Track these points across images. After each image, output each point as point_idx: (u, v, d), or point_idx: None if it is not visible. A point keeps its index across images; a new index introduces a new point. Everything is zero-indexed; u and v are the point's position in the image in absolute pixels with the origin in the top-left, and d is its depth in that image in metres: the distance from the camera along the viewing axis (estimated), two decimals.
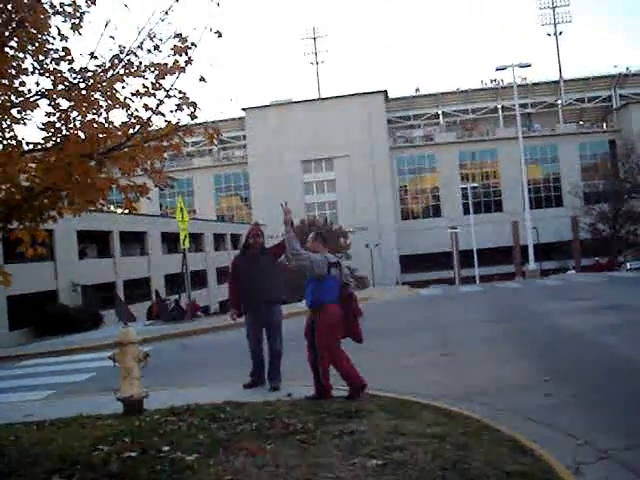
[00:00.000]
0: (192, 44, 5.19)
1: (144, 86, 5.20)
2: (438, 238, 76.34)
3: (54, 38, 5.33)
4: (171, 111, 5.23)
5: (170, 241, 44.25)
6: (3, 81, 5.08)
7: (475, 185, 75.02)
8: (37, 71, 5.36)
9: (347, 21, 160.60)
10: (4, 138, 5.29)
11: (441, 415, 6.27)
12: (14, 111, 5.25)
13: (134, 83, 5.20)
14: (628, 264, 52.56)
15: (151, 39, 5.24)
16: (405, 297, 28.07)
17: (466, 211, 72.45)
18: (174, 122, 5.26)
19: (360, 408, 6.53)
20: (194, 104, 5.25)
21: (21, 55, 5.30)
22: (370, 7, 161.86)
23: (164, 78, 5.18)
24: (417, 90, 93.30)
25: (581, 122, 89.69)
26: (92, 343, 16.79)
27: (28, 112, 5.26)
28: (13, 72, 5.23)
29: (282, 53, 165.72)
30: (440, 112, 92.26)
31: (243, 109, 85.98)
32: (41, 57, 5.36)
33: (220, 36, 5.11)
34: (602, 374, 7.71)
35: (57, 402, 9.18)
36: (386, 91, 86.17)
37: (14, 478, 4.92)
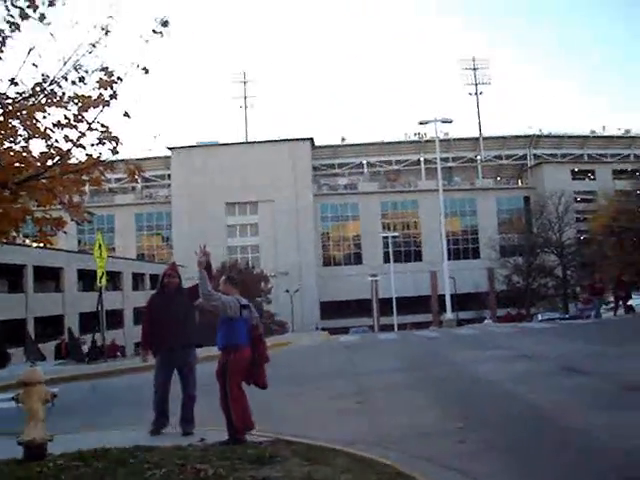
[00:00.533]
0: (118, 78, 5.12)
1: (66, 117, 5.08)
2: (358, 285, 77.08)
3: None
4: (92, 144, 5.12)
5: (87, 278, 42.90)
6: None
7: (396, 234, 76.73)
8: None
9: (277, 68, 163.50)
10: None
11: (355, 461, 6.22)
12: None
13: (56, 113, 5.07)
14: (539, 315, 54.43)
15: (76, 70, 5.14)
16: (323, 343, 28.07)
17: (386, 260, 73.66)
18: (95, 156, 5.14)
19: (274, 454, 6.41)
20: (116, 139, 5.15)
21: None
22: (300, 57, 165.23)
23: (87, 111, 5.08)
24: (343, 139, 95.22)
25: (498, 178, 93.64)
26: None
27: None
28: None
29: (211, 95, 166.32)
30: (364, 162, 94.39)
31: (169, 148, 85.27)
32: None
33: (147, 72, 5.07)
34: (512, 421, 7.87)
35: None
36: (312, 138, 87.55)
37: None
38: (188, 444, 7.10)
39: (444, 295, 41.84)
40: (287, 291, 70.31)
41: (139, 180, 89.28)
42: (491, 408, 8.80)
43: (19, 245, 34.08)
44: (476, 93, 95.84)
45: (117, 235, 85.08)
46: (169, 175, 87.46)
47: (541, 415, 7.99)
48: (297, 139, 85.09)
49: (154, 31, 5.16)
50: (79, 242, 78.56)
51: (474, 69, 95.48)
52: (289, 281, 74.15)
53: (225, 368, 7.38)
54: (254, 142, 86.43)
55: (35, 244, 37.39)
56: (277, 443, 7.12)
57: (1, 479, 5.79)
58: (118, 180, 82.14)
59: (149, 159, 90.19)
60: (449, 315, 37.90)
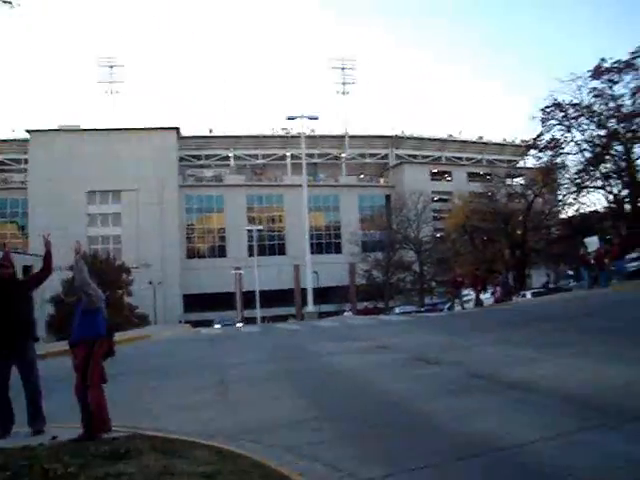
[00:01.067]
0: None
1: None
2: (223, 278, 76.60)
3: None
4: None
5: None
6: None
7: (261, 228, 76.96)
8: None
9: (146, 54, 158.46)
10: None
11: (213, 454, 6.22)
12: None
13: None
14: (397, 309, 56.76)
15: None
16: (185, 336, 27.70)
17: (251, 253, 73.72)
18: None
19: (130, 449, 6.27)
20: None
21: None
22: (168, 44, 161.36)
23: None
24: (211, 131, 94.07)
25: (361, 176, 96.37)
26: None
27: None
28: None
29: (76, 79, 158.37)
30: (232, 155, 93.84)
31: (27, 131, 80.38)
32: None
33: None
34: (368, 409, 8.16)
35: None
36: (179, 129, 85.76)
37: None
38: (38, 443, 6.78)
39: (307, 288, 42.52)
40: (150, 283, 68.57)
41: None
42: (347, 397, 9.08)
43: None
44: (343, 92, 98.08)
45: None
46: (26, 160, 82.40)
47: (393, 402, 8.35)
48: (164, 128, 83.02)
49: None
50: None
51: (342, 68, 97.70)
52: (152, 273, 72.31)
53: (87, 361, 7.19)
54: (119, 129, 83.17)
55: None
56: (134, 438, 6.97)
57: None
58: None
59: (5, 141, 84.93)
60: (310, 308, 38.57)
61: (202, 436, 7.09)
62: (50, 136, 79.88)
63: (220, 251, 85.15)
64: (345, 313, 58.54)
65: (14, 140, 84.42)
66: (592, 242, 32.32)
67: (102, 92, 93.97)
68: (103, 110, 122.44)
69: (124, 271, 59.47)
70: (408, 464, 5.67)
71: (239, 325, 53.14)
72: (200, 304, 76.06)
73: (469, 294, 40.06)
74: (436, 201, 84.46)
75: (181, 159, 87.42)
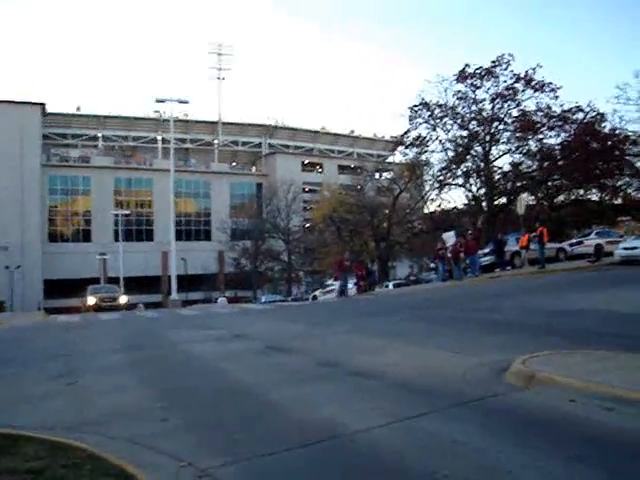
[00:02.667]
0: None
1: None
2: (87, 264, 73.67)
3: None
4: None
5: None
6: None
7: (128, 212, 74.67)
8: None
9: (13, 22, 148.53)
10: None
11: (46, 448, 6.00)
12: None
13: None
14: (263, 297, 57.16)
15: None
16: (41, 323, 26.44)
17: (117, 238, 71.43)
18: None
19: None
20: None
21: None
22: (37, 13, 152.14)
23: None
24: (78, 109, 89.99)
25: (234, 163, 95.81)
26: None
27: None
28: None
29: None
30: (100, 135, 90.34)
31: None
32: None
33: None
34: (217, 398, 8.18)
35: None
36: (44, 104, 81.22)
37: None
38: None
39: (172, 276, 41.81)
40: (7, 267, 64.75)
41: None
42: (198, 386, 9.06)
43: None
44: (219, 78, 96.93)
45: None
46: None
47: (242, 391, 8.43)
48: (26, 102, 78.30)
49: None
50: None
51: (219, 54, 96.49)
52: (9, 257, 68.29)
53: None
54: None
55: None
56: None
57: None
58: None
59: None
60: (174, 296, 38.02)
61: (40, 429, 6.84)
62: None
63: (85, 235, 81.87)
64: (219, 299, 58.01)
65: None
66: (449, 237, 34.00)
67: None
68: None
69: None
70: (248, 452, 5.76)
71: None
72: (63, 290, 72.72)
73: (333, 284, 41.04)
74: (307, 192, 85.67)
75: (45, 137, 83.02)
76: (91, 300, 34.36)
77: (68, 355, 13.23)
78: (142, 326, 19.35)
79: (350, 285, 34.76)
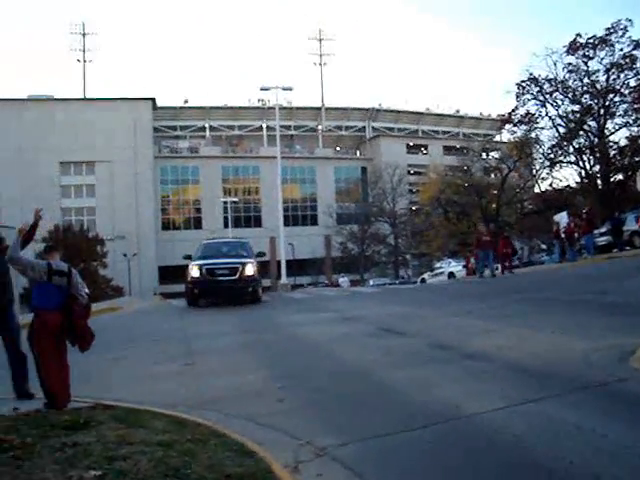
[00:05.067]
0: None
1: None
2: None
3: None
4: None
5: None
6: None
7: (236, 200, 76.46)
8: None
9: (120, 23, 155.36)
10: None
11: (172, 423, 6.30)
12: None
13: None
14: (371, 281, 57.14)
15: None
16: (157, 307, 27.67)
17: (226, 225, 73.43)
18: None
19: (90, 419, 6.33)
20: None
21: None
22: (143, 12, 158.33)
23: None
24: (186, 101, 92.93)
25: (338, 148, 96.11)
26: None
27: None
28: None
29: (47, 45, 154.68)
30: (207, 125, 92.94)
31: None
32: None
33: None
34: (330, 379, 8.28)
35: None
36: (154, 99, 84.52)
37: None
38: None
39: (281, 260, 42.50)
40: (125, 255, 68.14)
41: None
42: (312, 368, 9.19)
43: None
44: (320, 64, 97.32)
45: None
46: None
47: (356, 373, 8.48)
48: (138, 98, 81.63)
49: None
50: None
51: (320, 40, 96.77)
52: (127, 245, 71.79)
53: (32, 331, 7.34)
54: (93, 99, 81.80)
55: None
56: (96, 408, 7.02)
57: None
58: None
59: None
60: (284, 280, 38.62)
61: (164, 406, 7.18)
62: (20, 105, 78.14)
63: (196, 223, 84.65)
64: (340, 280, 57.77)
65: None
66: (561, 217, 32.66)
67: (74, 61, 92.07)
68: (76, 79, 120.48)
69: (98, 243, 58.99)
70: (364, 433, 5.79)
71: None
72: (175, 276, 75.62)
73: (441, 266, 40.42)
74: (412, 174, 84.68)
75: (156, 130, 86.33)
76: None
77: (182, 337, 13.75)
78: (252, 309, 19.80)
79: (459, 267, 33.85)
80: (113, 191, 77.53)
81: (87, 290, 7.72)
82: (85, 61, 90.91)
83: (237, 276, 20.08)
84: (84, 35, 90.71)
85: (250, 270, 20.29)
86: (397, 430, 5.77)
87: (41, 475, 4.64)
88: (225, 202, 73.09)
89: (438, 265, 43.56)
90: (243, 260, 20.72)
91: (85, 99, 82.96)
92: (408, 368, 8.44)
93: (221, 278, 20.08)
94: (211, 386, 8.50)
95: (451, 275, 35.28)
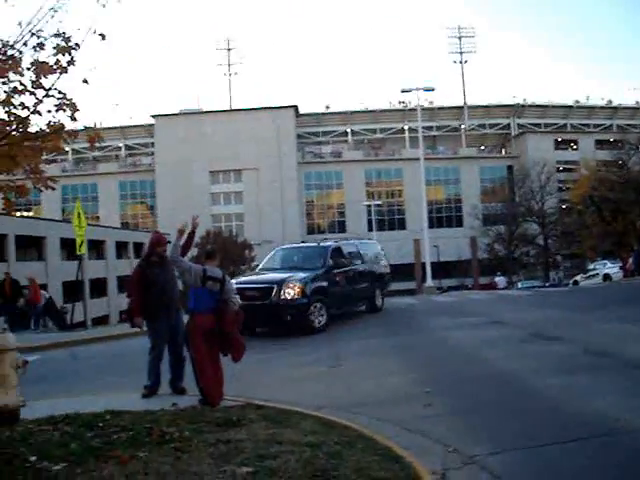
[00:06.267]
0: (76, 44, 5.09)
1: (22, 84, 5.07)
2: None
3: None
4: (49, 111, 5.12)
5: (70, 247, 42.68)
6: None
7: (379, 203, 76.61)
8: None
9: (262, 35, 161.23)
10: None
11: (320, 425, 6.38)
12: None
13: (14, 80, 5.06)
14: (519, 283, 55.02)
15: (36, 36, 5.12)
16: None
17: (370, 228, 73.78)
18: (54, 122, 5.15)
19: (242, 417, 6.56)
20: (74, 105, 5.15)
21: None
22: (285, 23, 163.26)
23: (45, 77, 5.08)
24: (327, 107, 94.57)
25: (482, 147, 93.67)
26: None
27: None
28: None
29: (196, 62, 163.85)
30: (349, 130, 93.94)
31: (152, 116, 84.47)
32: None
33: (104, 39, 5.06)
34: (479, 385, 8.05)
35: None
36: (297, 106, 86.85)
37: None
38: (160, 409, 7.23)
39: (426, 263, 42.04)
40: None
41: (122, 147, 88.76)
42: (459, 373, 8.99)
43: (1, 215, 33.91)
44: (461, 61, 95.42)
45: (101, 204, 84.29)
46: (153, 143, 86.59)
47: (506, 380, 8.20)
48: (281, 107, 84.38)
49: None
50: (63, 211, 78.18)
51: (459, 37, 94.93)
52: (274, 249, 74.15)
53: (187, 332, 7.82)
54: (238, 110, 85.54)
55: (18, 213, 37.24)
56: (246, 407, 7.27)
57: None
58: (102, 148, 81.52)
59: (133, 127, 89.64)
60: (429, 283, 38.12)
61: (311, 407, 7.28)
62: (173, 120, 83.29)
63: (340, 226, 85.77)
64: (497, 279, 56.07)
65: (141, 125, 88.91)
66: None
67: (221, 74, 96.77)
68: (222, 92, 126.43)
69: (246, 247, 61.40)
70: (515, 442, 5.58)
71: None
72: None
73: (595, 268, 38.17)
74: (561, 171, 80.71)
75: (299, 136, 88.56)
76: None
77: (330, 340, 13.89)
78: (399, 312, 19.70)
79: (616, 269, 31.99)
80: (259, 197, 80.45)
81: (238, 299, 8.00)
82: (230, 74, 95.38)
83: (270, 300, 14.96)
84: (229, 50, 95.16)
85: (290, 292, 15.11)
86: (550, 441, 5.50)
87: (198, 468, 4.89)
88: (368, 205, 73.43)
89: (592, 267, 41.17)
90: (286, 277, 15.55)
91: (231, 110, 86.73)
92: (560, 375, 8.04)
93: (251, 302, 14.30)
94: (357, 389, 8.53)
95: (607, 277, 33.23)
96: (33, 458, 5.20)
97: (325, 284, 16.02)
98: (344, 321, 16.78)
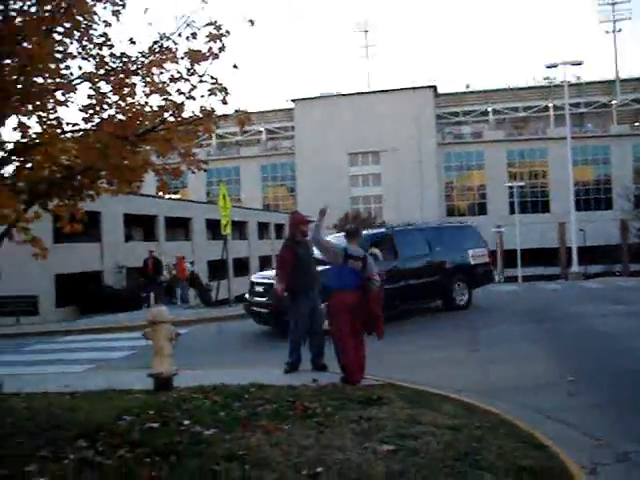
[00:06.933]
0: (226, 31, 5.37)
1: (178, 72, 5.41)
2: (484, 236, 75.07)
3: (97, 24, 5.54)
4: (202, 96, 5.43)
5: (215, 228, 44.75)
6: (50, 65, 5.30)
7: (522, 184, 73.88)
8: (80, 56, 5.58)
9: (399, 14, 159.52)
10: (47, 119, 5.53)
11: (460, 408, 6.35)
12: (58, 94, 5.49)
13: (170, 69, 5.40)
14: None
15: (189, 26, 5.43)
16: None
17: (512, 210, 71.48)
18: (207, 107, 5.45)
19: (382, 396, 6.64)
20: (225, 90, 5.43)
21: (67, 40, 5.52)
22: (422, 1, 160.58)
23: (198, 64, 5.40)
24: (467, 86, 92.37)
25: (636, 123, 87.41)
26: (132, 323, 17.15)
27: (71, 94, 5.49)
28: (59, 56, 5.46)
29: (333, 45, 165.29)
30: (490, 109, 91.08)
31: (292, 100, 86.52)
32: (85, 42, 5.58)
33: (253, 24, 5.27)
34: (628, 378, 7.65)
35: (93, 376, 9.51)
36: (435, 86, 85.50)
37: (43, 439, 5.22)
38: (301, 384, 7.47)
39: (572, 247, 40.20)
40: None
41: (263, 132, 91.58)
42: (605, 363, 8.61)
43: (152, 197, 36.20)
44: (613, 30, 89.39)
45: (243, 186, 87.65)
46: (293, 127, 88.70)
47: None
48: (420, 87, 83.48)
49: None
50: (208, 194, 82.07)
51: (612, 4, 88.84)
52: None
53: (329, 310, 8.02)
54: (376, 92, 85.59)
55: (167, 196, 39.54)
56: (386, 387, 7.35)
57: (134, 405, 6.39)
58: (244, 133, 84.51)
59: (273, 111, 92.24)
60: (575, 268, 36.36)
61: (451, 390, 7.24)
62: (312, 103, 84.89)
63: (480, 208, 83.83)
64: None
65: (281, 110, 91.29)
66: None
67: (358, 57, 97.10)
68: (360, 74, 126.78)
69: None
70: None
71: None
72: None
73: None
74: None
75: (438, 117, 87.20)
76: None
77: (468, 324, 13.68)
78: (541, 298, 19.03)
79: None
80: (398, 179, 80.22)
81: (378, 278, 8.05)
82: (367, 56, 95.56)
83: (268, 298, 12.79)
84: (366, 32, 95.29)
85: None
86: None
87: (340, 442, 5.02)
88: (510, 187, 71.12)
89: None
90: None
91: (368, 92, 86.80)
92: None
93: (257, 299, 13.43)
94: (497, 374, 8.39)
95: None
96: (187, 422, 5.58)
97: None
98: (486, 307, 16.43)
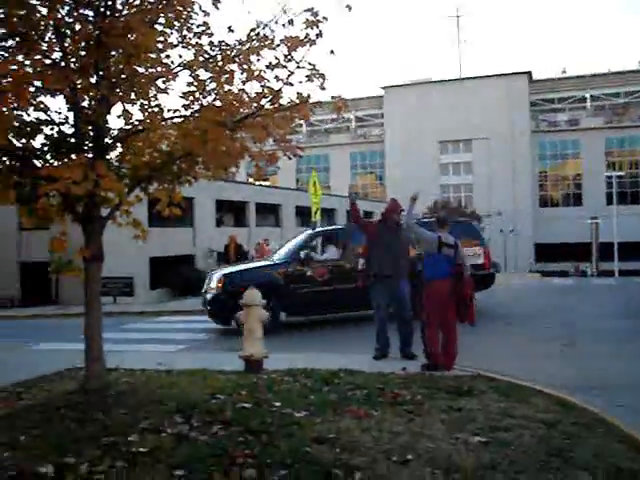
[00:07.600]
0: (323, 17, 5.39)
1: (276, 58, 5.48)
2: (576, 228, 72.60)
3: (197, 14, 5.69)
4: (300, 82, 5.48)
5: (304, 214, 45.24)
6: (151, 55, 5.50)
7: (621, 174, 70.69)
8: (180, 45, 5.76)
9: (491, 0, 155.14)
10: (149, 106, 5.74)
11: (554, 403, 6.17)
12: (159, 82, 5.68)
13: (267, 55, 5.49)
14: None
15: (285, 13, 5.49)
16: (534, 285, 27.14)
17: (609, 201, 68.60)
18: (304, 93, 5.51)
19: (472, 387, 6.56)
20: (323, 75, 5.46)
21: (168, 30, 5.70)
22: None
23: (295, 51, 5.46)
24: (563, 71, 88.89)
25: None
26: None
27: (171, 82, 5.68)
28: (160, 46, 5.65)
29: (424, 32, 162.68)
30: (587, 95, 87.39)
31: (382, 87, 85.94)
32: (185, 32, 5.75)
33: (350, 10, 5.27)
34: None
35: (186, 356, 9.86)
36: (530, 72, 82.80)
37: (142, 412, 5.50)
38: (390, 372, 7.47)
39: None
40: (501, 231, 68.48)
41: (353, 119, 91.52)
42: None
43: (243, 183, 36.92)
44: None
45: (332, 174, 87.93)
46: (382, 114, 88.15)
47: None
48: (513, 73, 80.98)
49: None
50: (297, 181, 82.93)
51: None
52: (503, 221, 72.00)
53: (422, 299, 7.99)
54: (468, 78, 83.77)
55: (257, 182, 40.19)
56: (477, 378, 7.25)
57: (226, 385, 6.59)
58: (334, 120, 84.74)
59: (363, 99, 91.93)
60: None
61: (544, 385, 7.04)
62: (403, 91, 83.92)
63: (575, 199, 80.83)
64: None
65: (371, 97, 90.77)
66: None
67: (450, 43, 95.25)
68: (452, 61, 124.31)
69: (475, 219, 60.38)
70: None
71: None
72: (552, 254, 73.54)
73: None
74: None
75: (532, 104, 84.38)
76: None
77: (562, 317, 13.32)
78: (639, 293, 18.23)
79: None
80: (489, 168, 78.39)
81: (469, 265, 8.00)
82: (459, 42, 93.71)
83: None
84: (458, 17, 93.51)
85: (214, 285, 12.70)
86: None
87: (430, 432, 5.02)
88: (609, 177, 68.20)
89: None
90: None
91: (460, 79, 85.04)
92: None
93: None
94: (593, 370, 8.12)
95: None
96: (278, 404, 5.72)
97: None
98: (570, 296, 15.89)
